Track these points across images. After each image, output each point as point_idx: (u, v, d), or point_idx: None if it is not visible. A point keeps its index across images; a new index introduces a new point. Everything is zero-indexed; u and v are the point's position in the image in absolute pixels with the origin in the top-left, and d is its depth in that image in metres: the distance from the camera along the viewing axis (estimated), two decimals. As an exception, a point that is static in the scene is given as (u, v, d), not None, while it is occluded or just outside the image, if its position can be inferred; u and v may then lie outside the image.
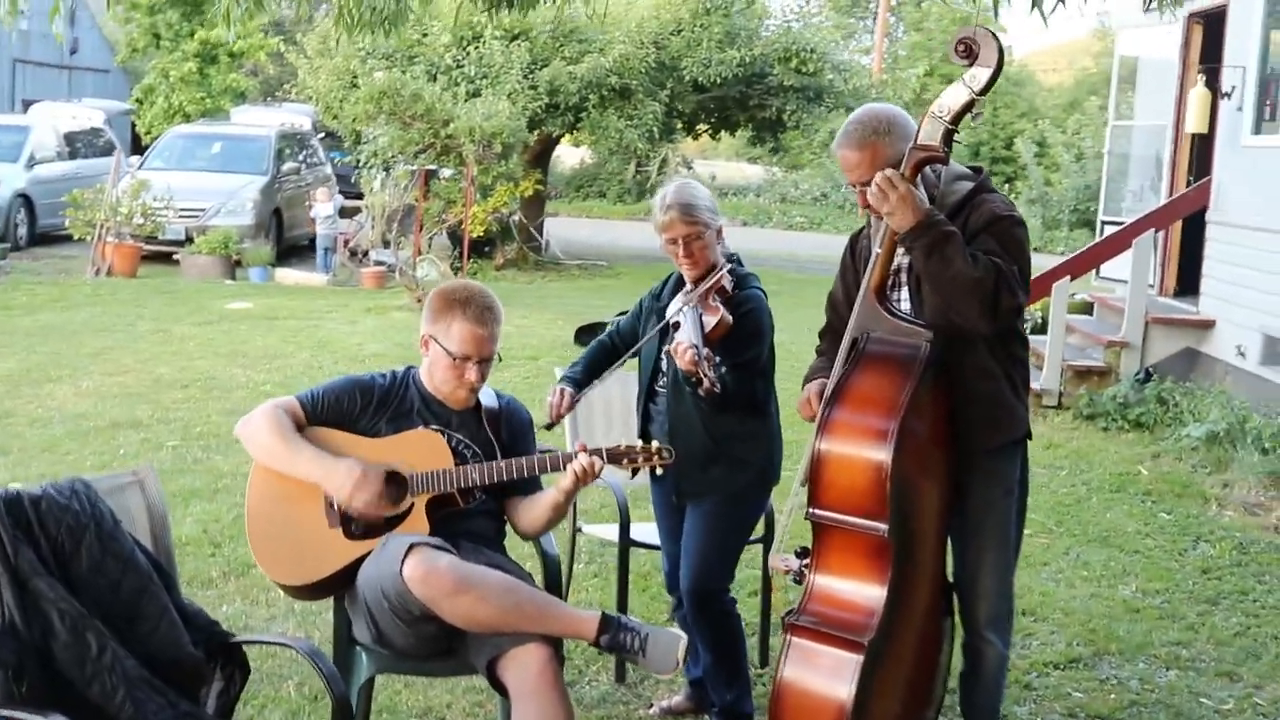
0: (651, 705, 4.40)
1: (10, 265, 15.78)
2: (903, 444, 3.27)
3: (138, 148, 24.34)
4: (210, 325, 11.82)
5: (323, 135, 21.65)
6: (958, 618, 3.79)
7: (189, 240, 16.26)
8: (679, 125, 19.90)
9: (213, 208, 16.93)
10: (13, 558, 2.96)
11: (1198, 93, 10.18)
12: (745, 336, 3.91)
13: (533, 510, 3.72)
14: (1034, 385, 9.07)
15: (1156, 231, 10.26)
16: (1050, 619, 5.39)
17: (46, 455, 7.15)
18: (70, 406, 8.31)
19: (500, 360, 3.80)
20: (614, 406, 4.96)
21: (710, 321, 3.76)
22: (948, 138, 3.32)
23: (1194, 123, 10.25)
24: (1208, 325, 9.76)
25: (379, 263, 15.67)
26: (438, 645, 3.46)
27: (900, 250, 3.46)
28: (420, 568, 3.29)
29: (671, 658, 3.35)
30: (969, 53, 3.29)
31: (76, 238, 16.09)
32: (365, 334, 11.66)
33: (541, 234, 19.28)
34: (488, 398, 3.80)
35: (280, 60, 26.57)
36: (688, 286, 4.01)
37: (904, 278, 3.58)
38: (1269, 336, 8.93)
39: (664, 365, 4.05)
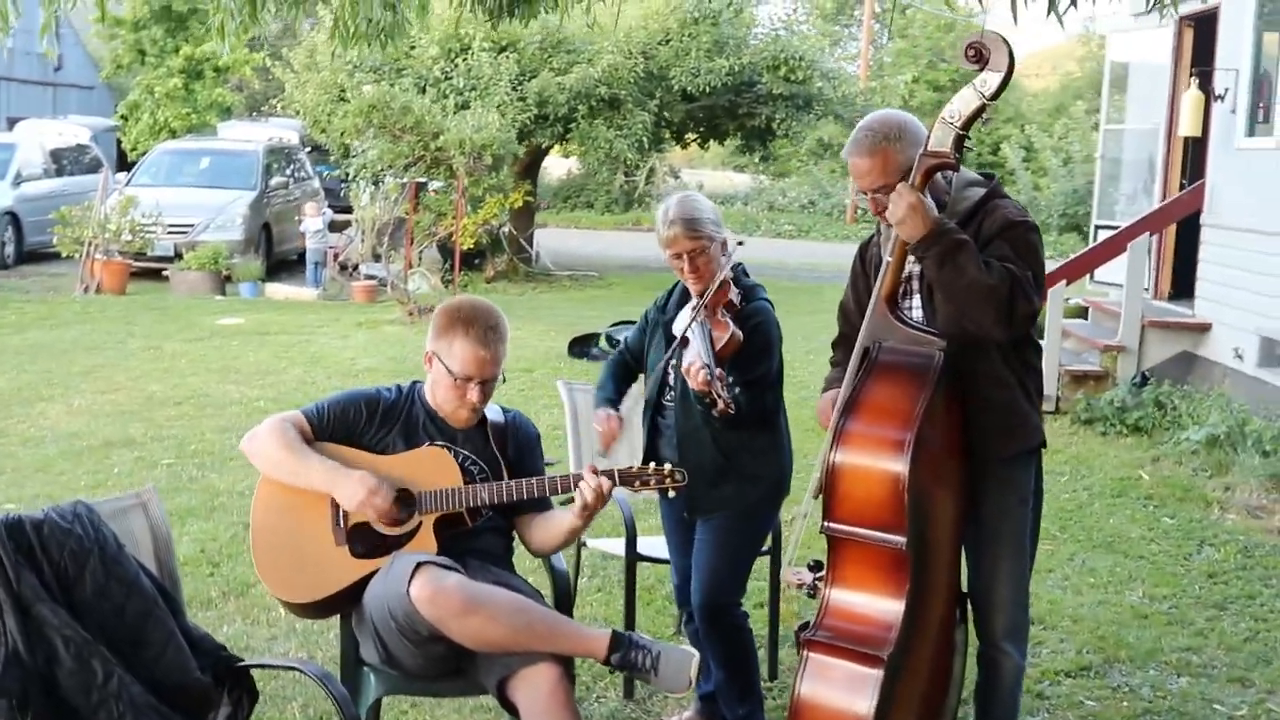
0: (661, 721, 4.35)
1: (-2, 284, 15.72)
2: (918, 454, 3.23)
3: (123, 164, 24.25)
4: (201, 341, 11.75)
5: (310, 149, 21.59)
6: (972, 628, 3.75)
7: (178, 256, 16.20)
8: (668, 135, 19.88)
9: (201, 223, 16.87)
10: (15, 583, 2.91)
11: (1191, 96, 10.17)
12: (755, 352, 3.86)
13: (547, 530, 3.67)
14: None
15: (1151, 235, 10.25)
16: (1059, 626, 5.35)
17: (40, 475, 7.08)
18: (63, 425, 8.24)
19: (504, 381, 3.74)
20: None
21: (721, 338, 3.71)
22: (959, 144, 3.27)
23: (1187, 126, 10.24)
24: (1204, 328, 9.75)
25: (369, 276, 15.61)
26: (446, 665, 3.40)
27: (910, 258, 3.42)
28: (428, 587, 3.24)
29: (684, 676, 3.30)
30: (979, 57, 3.24)
31: (65, 255, 16.02)
32: (358, 348, 11.60)
33: (532, 245, 19.23)
34: (493, 413, 3.75)
35: (266, 75, 26.50)
36: (694, 300, 3.96)
37: (914, 285, 3.54)
38: (1266, 339, 8.91)
39: (671, 380, 4.00)
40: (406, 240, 15.65)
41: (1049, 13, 4.16)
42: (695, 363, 3.61)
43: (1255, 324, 9.00)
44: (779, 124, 18.73)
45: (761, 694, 4.18)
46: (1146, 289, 10.44)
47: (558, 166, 32.69)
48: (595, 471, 3.49)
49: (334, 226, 18.19)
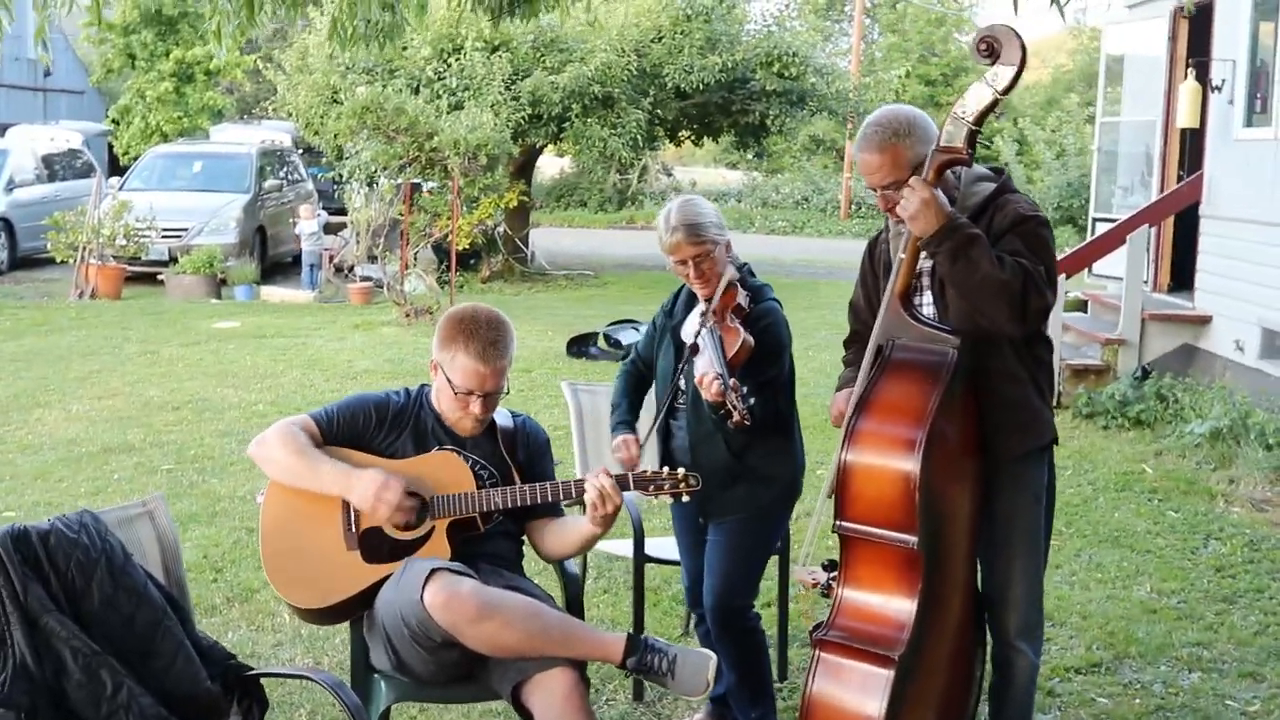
0: (672, 724, 4.32)
1: (-9, 290, 15.66)
2: (931, 453, 3.20)
3: (115, 169, 24.18)
4: (198, 345, 11.70)
5: (302, 151, 21.52)
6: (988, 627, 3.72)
7: (173, 260, 16.14)
8: (662, 133, 19.83)
9: (196, 227, 16.80)
10: (22, 595, 2.88)
11: (1188, 87, 10.15)
12: (767, 354, 3.82)
13: (559, 536, 3.63)
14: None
15: (1150, 227, 10.23)
16: (1068, 622, 5.33)
17: (39, 483, 7.03)
18: (61, 432, 8.19)
19: (509, 393, 3.69)
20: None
21: (732, 344, 3.66)
22: (971, 139, 3.24)
23: (1185, 117, 10.22)
24: (1204, 320, 9.73)
25: (365, 278, 15.57)
26: (459, 671, 3.37)
27: (923, 254, 3.38)
28: (442, 594, 3.20)
29: (701, 679, 3.27)
30: (991, 51, 3.21)
31: (59, 261, 15.94)
32: (355, 350, 11.55)
33: (527, 245, 19.19)
34: (502, 418, 3.71)
35: (257, 77, 26.43)
36: (701, 305, 3.91)
37: (926, 281, 3.51)
38: (1267, 330, 8.89)
39: (683, 383, 3.96)
40: (402, 241, 15.61)
41: (1051, 3, 4.14)
42: (708, 374, 3.57)
43: (1256, 315, 8.98)
44: (773, 120, 18.68)
45: (774, 696, 4.15)
46: (1146, 282, 10.42)
47: (550, 166, 32.64)
48: (607, 474, 3.45)
49: (329, 229, 18.14)
